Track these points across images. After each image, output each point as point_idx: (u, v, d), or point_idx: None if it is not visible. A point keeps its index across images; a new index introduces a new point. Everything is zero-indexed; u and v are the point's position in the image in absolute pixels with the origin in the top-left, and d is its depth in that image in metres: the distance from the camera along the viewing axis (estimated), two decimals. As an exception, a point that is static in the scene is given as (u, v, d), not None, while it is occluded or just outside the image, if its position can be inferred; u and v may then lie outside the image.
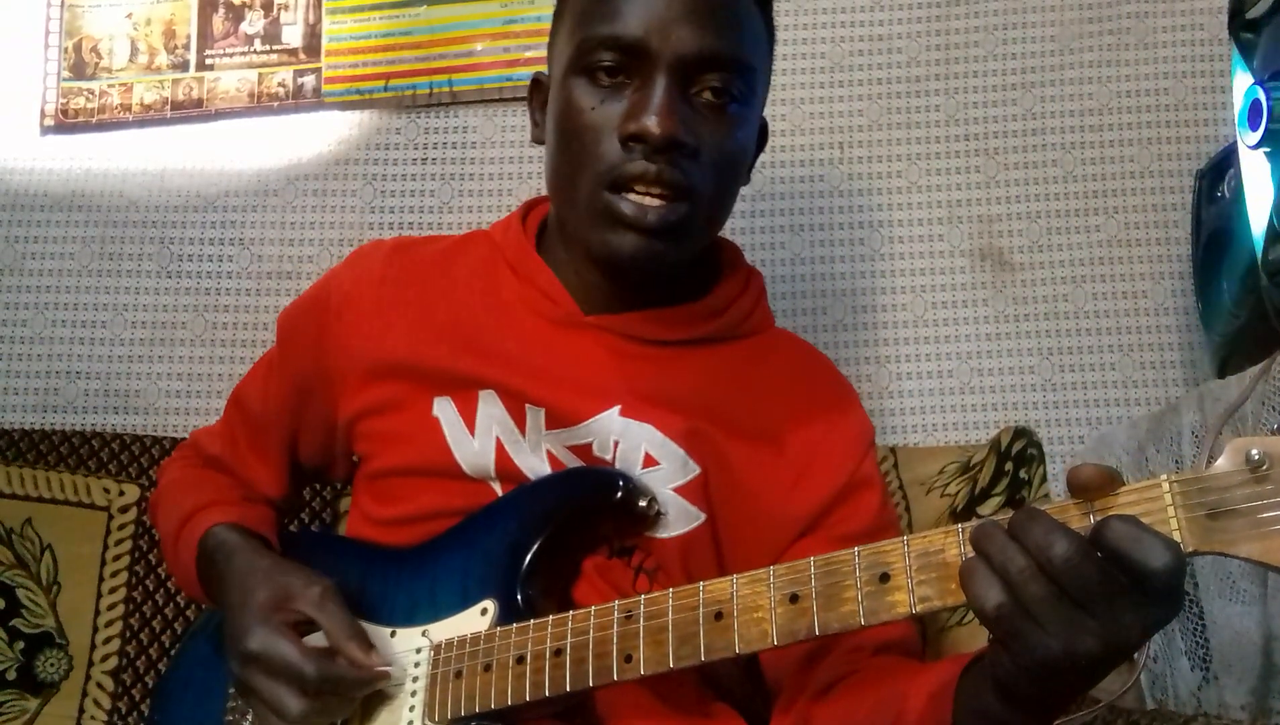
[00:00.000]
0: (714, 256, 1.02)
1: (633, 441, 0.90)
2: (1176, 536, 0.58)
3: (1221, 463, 0.58)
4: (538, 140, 0.97)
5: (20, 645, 1.26)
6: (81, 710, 1.24)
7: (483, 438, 0.91)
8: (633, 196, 0.85)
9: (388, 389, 0.94)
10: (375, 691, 0.83)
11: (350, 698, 0.83)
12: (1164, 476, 0.60)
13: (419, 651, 0.84)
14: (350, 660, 0.81)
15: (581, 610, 0.77)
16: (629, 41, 0.85)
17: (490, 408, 0.91)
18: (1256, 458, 0.57)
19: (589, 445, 0.90)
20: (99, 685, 1.26)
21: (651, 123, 0.83)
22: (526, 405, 0.91)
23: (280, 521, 1.05)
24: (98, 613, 1.28)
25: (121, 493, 1.32)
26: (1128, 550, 0.56)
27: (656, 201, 0.85)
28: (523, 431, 0.91)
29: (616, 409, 0.90)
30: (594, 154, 0.86)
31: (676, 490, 0.90)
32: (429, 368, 0.93)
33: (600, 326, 0.93)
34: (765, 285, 1.03)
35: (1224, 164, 1.32)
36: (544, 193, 1.49)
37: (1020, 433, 1.19)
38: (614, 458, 0.90)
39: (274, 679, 0.81)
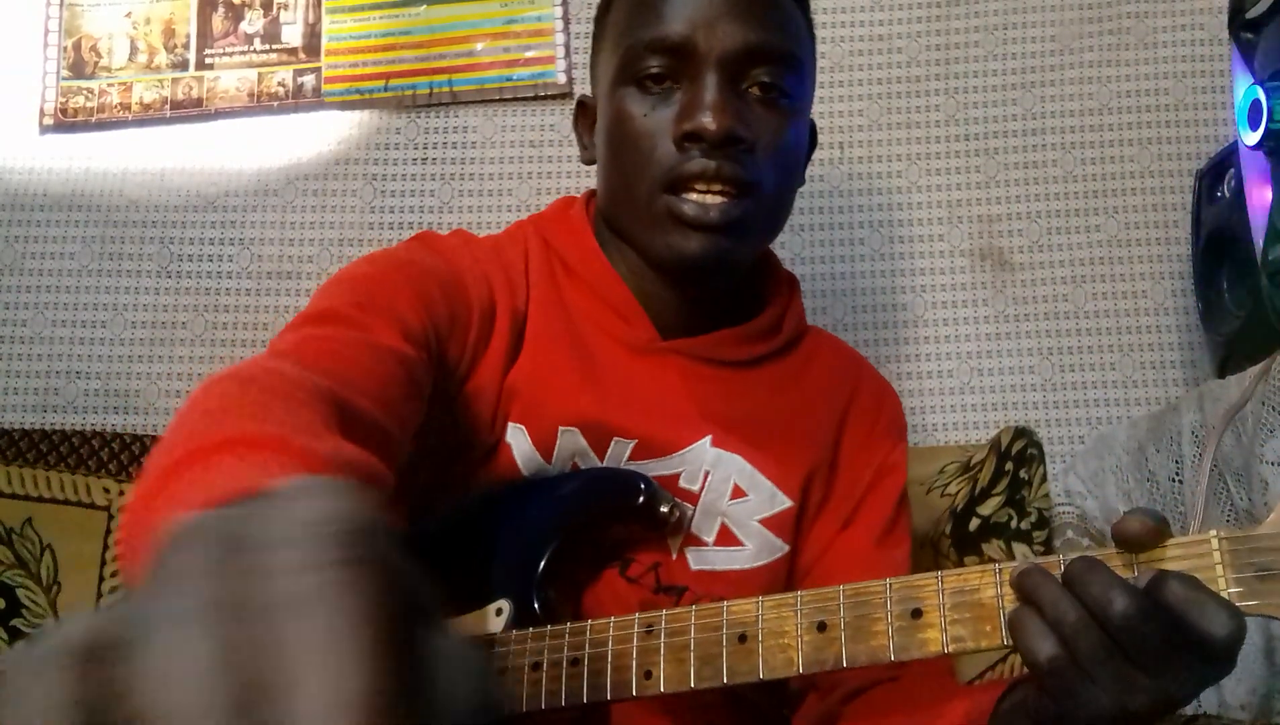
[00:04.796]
0: (756, 264, 1.00)
1: (723, 473, 0.88)
2: (1223, 595, 0.57)
3: (1273, 520, 0.57)
4: (588, 161, 0.95)
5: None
6: (82, 710, 1.24)
7: (562, 467, 0.87)
8: (693, 196, 0.83)
9: (468, 396, 0.87)
10: None
11: None
12: (1212, 533, 0.59)
13: None
14: None
15: (601, 620, 0.74)
16: (675, 42, 0.84)
17: (572, 442, 0.87)
18: None
19: (676, 477, 0.88)
20: (99, 685, 1.26)
21: (707, 119, 0.81)
22: (614, 439, 0.87)
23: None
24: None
25: (121, 493, 1.32)
26: (1188, 614, 0.55)
27: (718, 198, 0.83)
28: (602, 460, 0.88)
29: (708, 439, 0.88)
30: (650, 159, 0.84)
31: (763, 522, 0.89)
32: (509, 387, 0.87)
33: (678, 351, 0.91)
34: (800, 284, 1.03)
35: (1224, 164, 1.32)
36: (543, 193, 1.51)
37: (1020, 433, 1.19)
38: (701, 489, 0.88)
39: None
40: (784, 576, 0.91)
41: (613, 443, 0.87)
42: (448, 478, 0.89)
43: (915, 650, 0.63)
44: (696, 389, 0.90)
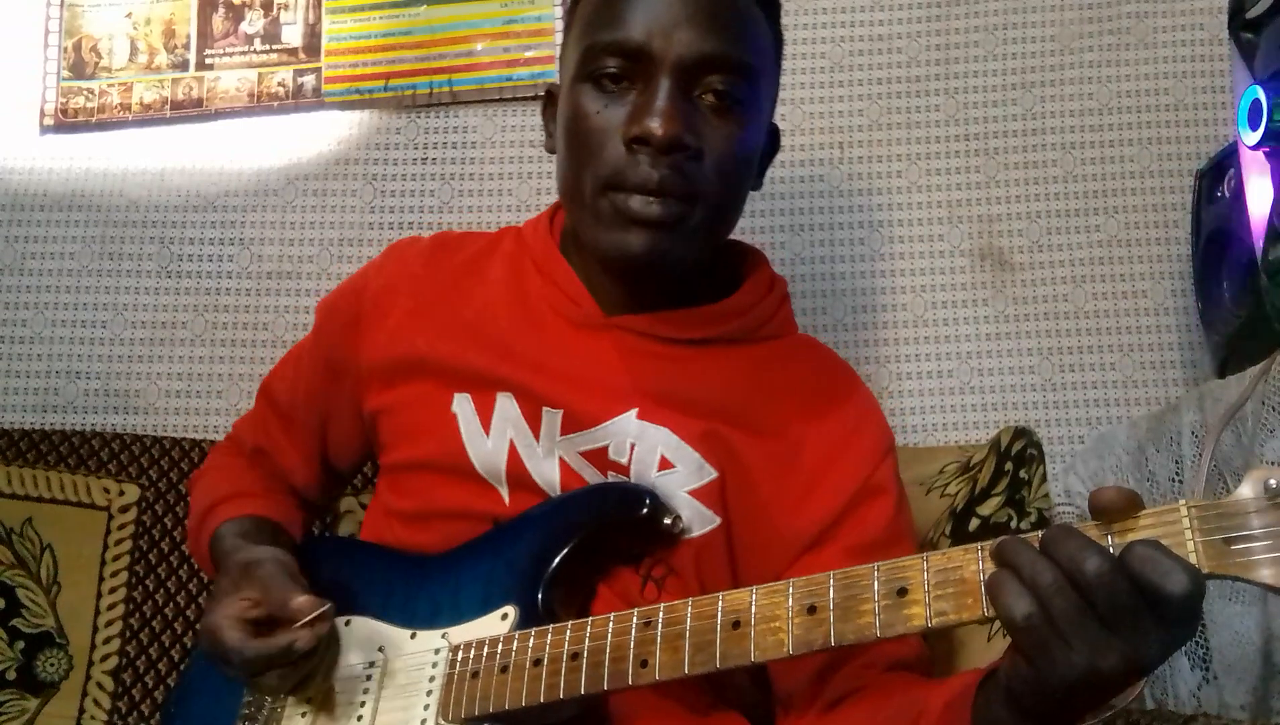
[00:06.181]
0: (737, 263, 1.02)
1: (648, 444, 0.90)
2: (1193, 559, 0.59)
3: (1241, 491, 0.59)
4: (550, 150, 0.98)
5: (20, 645, 1.26)
6: (81, 710, 1.24)
7: (497, 438, 0.91)
8: (637, 196, 0.86)
9: (411, 384, 0.96)
10: (392, 690, 0.84)
11: (309, 660, 0.83)
12: (1182, 502, 0.61)
13: (437, 652, 0.84)
14: (278, 607, 0.82)
15: (601, 617, 0.77)
16: (632, 47, 0.86)
17: (507, 409, 0.92)
18: (1275, 487, 0.58)
19: (604, 449, 0.90)
20: (99, 685, 1.26)
21: (654, 124, 0.84)
22: (544, 408, 0.91)
23: (308, 515, 1.10)
24: (98, 613, 1.28)
25: (121, 493, 1.32)
26: (1146, 573, 0.56)
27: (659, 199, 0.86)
28: (537, 436, 0.91)
29: (634, 412, 0.90)
30: (599, 157, 0.87)
31: (692, 493, 0.90)
32: (451, 364, 0.94)
33: (620, 327, 0.93)
34: (789, 292, 1.03)
35: (1224, 164, 1.32)
36: (543, 193, 1.52)
37: (1020, 433, 1.19)
38: (629, 461, 0.90)
39: (236, 671, 0.83)
40: (721, 550, 0.90)
41: (543, 413, 0.91)
42: (411, 466, 0.96)
43: (900, 626, 0.66)
44: (630, 363, 0.93)
